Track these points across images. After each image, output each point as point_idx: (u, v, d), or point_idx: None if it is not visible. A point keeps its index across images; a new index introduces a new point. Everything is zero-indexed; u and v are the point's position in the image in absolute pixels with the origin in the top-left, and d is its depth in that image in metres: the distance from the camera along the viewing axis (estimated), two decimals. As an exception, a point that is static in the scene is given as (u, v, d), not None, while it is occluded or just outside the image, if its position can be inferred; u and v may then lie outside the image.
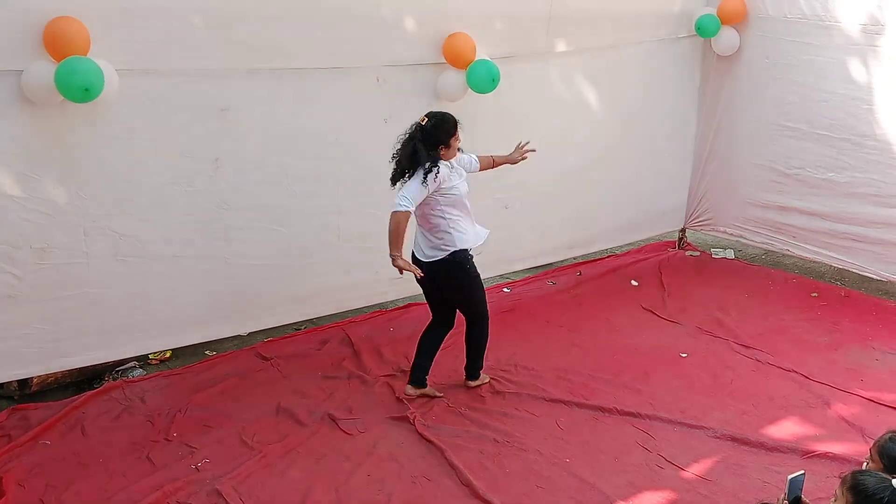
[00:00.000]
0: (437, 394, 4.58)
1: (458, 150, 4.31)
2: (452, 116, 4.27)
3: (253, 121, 4.51)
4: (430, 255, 4.31)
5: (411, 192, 4.12)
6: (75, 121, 3.98)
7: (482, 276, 5.93)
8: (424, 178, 4.10)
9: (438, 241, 4.29)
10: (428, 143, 4.16)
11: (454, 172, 4.29)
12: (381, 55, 4.82)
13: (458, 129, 4.25)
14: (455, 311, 4.57)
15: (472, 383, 4.68)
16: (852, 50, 5.68)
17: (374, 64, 4.81)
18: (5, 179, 3.87)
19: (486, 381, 4.71)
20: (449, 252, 4.28)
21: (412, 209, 4.14)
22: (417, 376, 4.57)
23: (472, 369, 4.67)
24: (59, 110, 3.90)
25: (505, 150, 5.55)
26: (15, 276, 4.01)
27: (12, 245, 3.96)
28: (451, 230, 4.27)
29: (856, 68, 5.69)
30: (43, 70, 3.70)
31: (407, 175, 4.18)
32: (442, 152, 4.20)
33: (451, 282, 4.40)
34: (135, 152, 4.18)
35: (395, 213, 4.12)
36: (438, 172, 4.12)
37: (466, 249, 4.34)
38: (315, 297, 5.09)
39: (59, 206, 4.03)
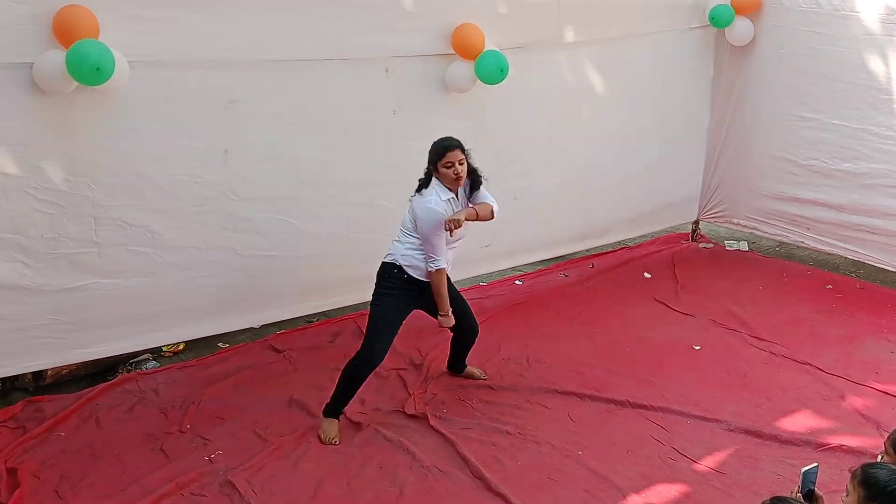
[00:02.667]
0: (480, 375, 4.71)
1: (460, 176, 4.02)
2: (444, 140, 4.06)
3: (261, 112, 4.50)
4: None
5: (432, 247, 4.02)
6: (85, 112, 3.98)
7: (495, 268, 5.92)
8: (435, 224, 4.00)
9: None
10: (429, 161, 4.09)
11: (456, 204, 4.11)
12: (390, 46, 4.79)
13: (451, 155, 3.99)
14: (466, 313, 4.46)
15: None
16: (869, 40, 5.61)
17: (382, 55, 4.79)
18: (16, 170, 3.88)
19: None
20: (392, 261, 4.16)
21: (444, 265, 4.06)
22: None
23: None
24: (70, 101, 3.90)
25: (515, 139, 5.55)
26: (27, 266, 4.02)
27: (23, 235, 3.97)
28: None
29: (873, 58, 5.62)
30: (53, 57, 3.71)
31: (422, 190, 4.07)
32: (436, 174, 4.06)
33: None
34: (144, 143, 4.18)
35: (433, 275, 4.07)
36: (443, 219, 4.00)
37: (404, 271, 4.14)
38: (327, 289, 5.09)
39: (69, 197, 4.04)
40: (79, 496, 3.66)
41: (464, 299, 4.49)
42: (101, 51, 3.71)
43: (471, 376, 4.69)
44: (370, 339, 4.15)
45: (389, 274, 4.15)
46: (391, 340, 4.21)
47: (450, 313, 4.20)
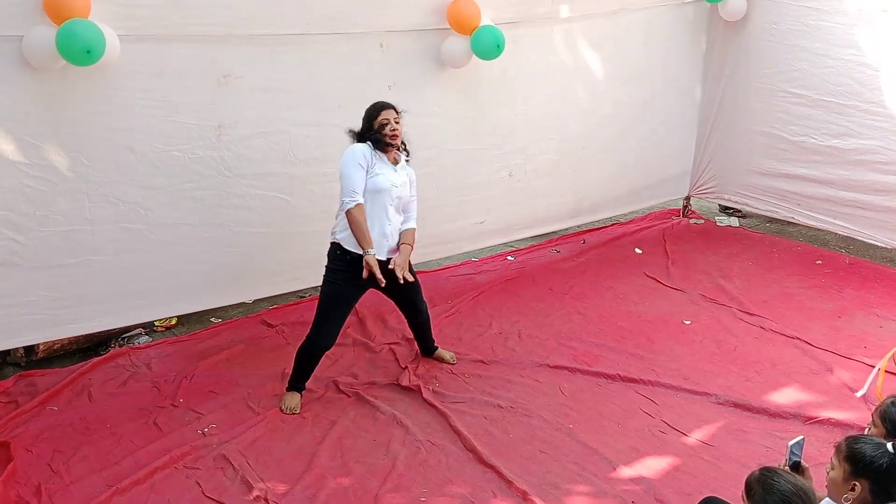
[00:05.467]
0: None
1: (390, 145, 4.03)
2: (377, 102, 4.07)
3: (255, 88, 4.47)
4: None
5: (349, 181, 3.97)
6: (77, 87, 3.95)
7: (488, 244, 5.88)
8: (354, 158, 3.98)
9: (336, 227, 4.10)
10: (363, 122, 4.09)
11: (387, 165, 4.07)
12: (385, 21, 4.76)
13: (387, 113, 4.00)
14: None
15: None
16: (862, 16, 5.62)
17: (377, 29, 4.76)
18: (7, 146, 3.85)
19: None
20: (334, 239, 4.10)
21: (361, 200, 3.95)
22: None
23: None
24: (61, 76, 3.86)
25: (510, 115, 5.51)
26: (18, 243, 4.00)
27: (15, 211, 3.95)
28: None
29: (864, 34, 5.62)
30: (44, 34, 3.66)
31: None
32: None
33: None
34: (136, 119, 4.15)
35: (351, 212, 3.94)
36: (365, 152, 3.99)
37: (346, 250, 4.03)
38: (319, 264, 5.07)
39: (61, 173, 4.02)
40: (72, 470, 3.67)
41: (415, 277, 4.26)
42: (92, 32, 3.66)
43: (440, 359, 4.62)
44: (317, 325, 4.13)
45: (334, 255, 4.11)
46: (340, 324, 4.18)
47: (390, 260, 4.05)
